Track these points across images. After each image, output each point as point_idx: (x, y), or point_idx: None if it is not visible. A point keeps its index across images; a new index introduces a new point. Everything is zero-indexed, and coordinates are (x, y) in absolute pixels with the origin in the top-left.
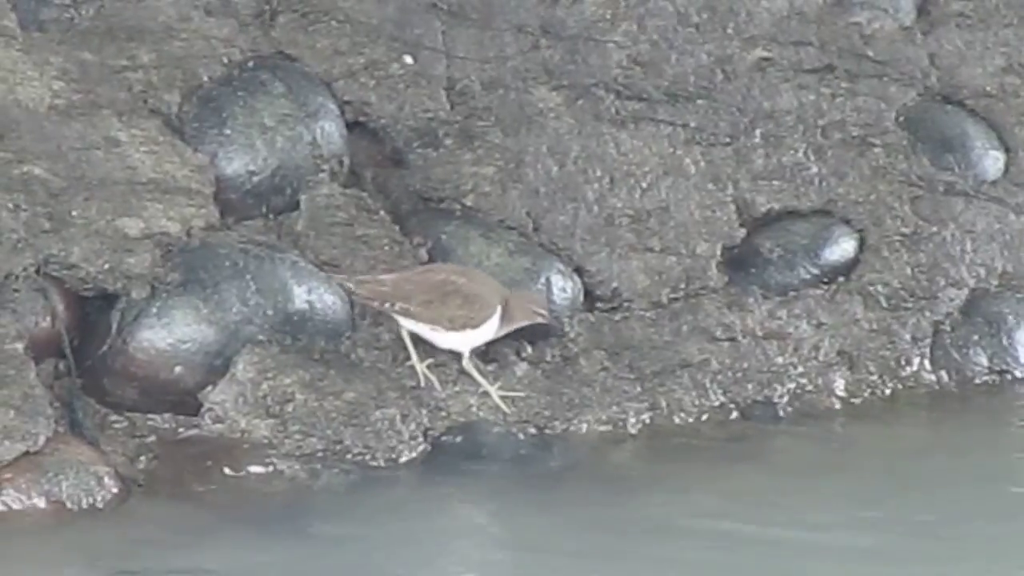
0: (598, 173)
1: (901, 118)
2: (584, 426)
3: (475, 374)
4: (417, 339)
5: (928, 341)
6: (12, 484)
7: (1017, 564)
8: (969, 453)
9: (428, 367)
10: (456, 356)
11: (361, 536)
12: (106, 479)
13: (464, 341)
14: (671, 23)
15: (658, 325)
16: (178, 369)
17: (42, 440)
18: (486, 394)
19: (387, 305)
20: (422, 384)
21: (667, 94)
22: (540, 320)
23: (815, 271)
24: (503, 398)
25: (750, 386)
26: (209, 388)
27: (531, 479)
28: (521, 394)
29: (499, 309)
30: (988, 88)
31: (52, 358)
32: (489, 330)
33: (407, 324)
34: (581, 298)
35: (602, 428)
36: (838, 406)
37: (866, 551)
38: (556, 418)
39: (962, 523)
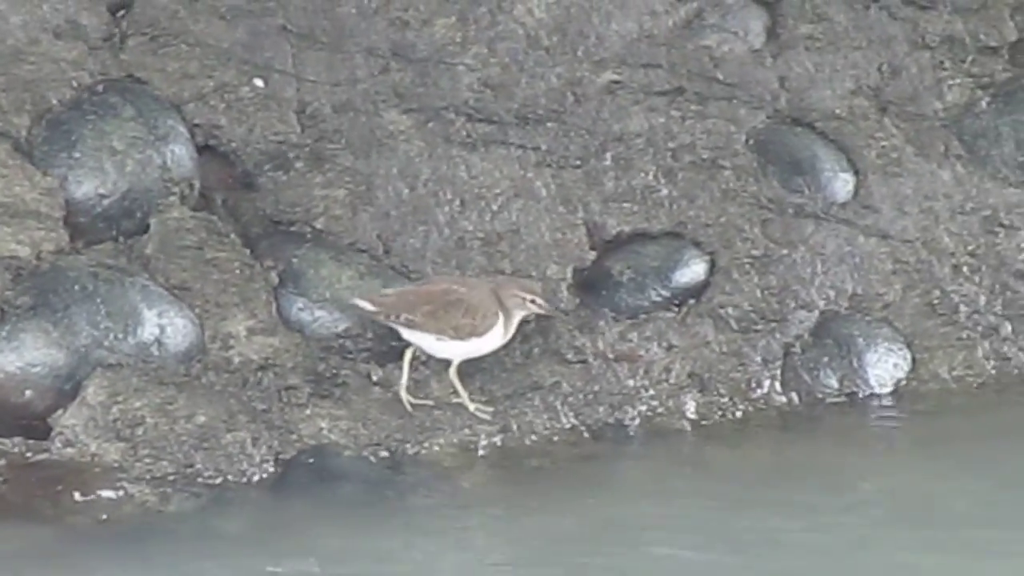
0: (449, 196)
1: (751, 140)
2: (436, 448)
3: (458, 385)
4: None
5: (778, 363)
6: None
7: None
8: (819, 473)
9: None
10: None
11: (212, 559)
12: None
13: (469, 350)
14: (521, 46)
15: (509, 347)
16: (28, 393)
17: None
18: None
19: (392, 317)
20: (410, 411)
21: (517, 117)
22: (539, 311)
23: (666, 293)
24: (478, 408)
25: (601, 408)
26: (59, 412)
27: (382, 500)
28: (490, 410)
29: (501, 318)
30: (837, 111)
31: None
32: (495, 338)
33: (412, 336)
34: None
35: (453, 451)
36: (689, 428)
37: (717, 568)
38: (407, 441)
39: (814, 540)
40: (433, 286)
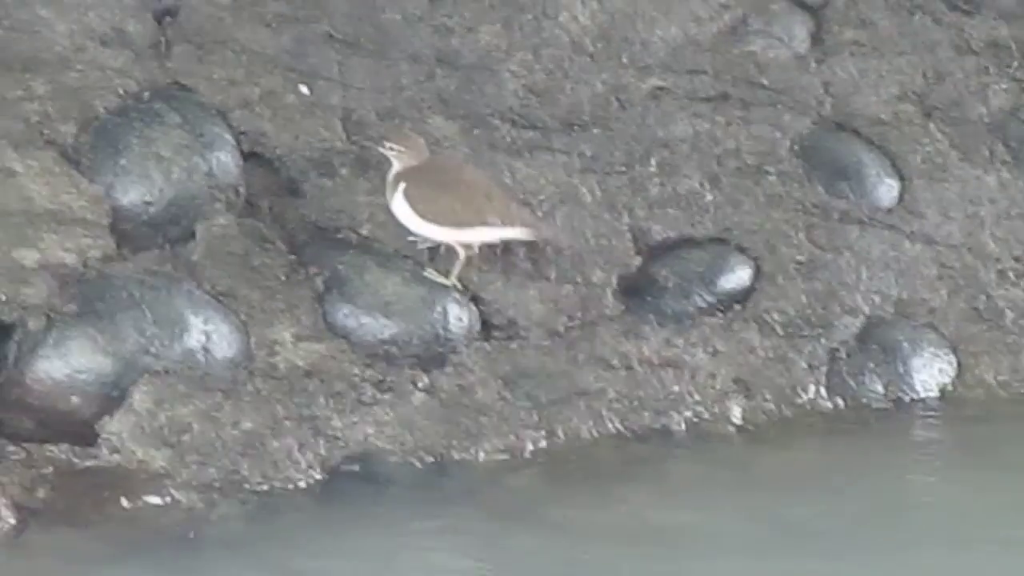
0: None
1: (796, 146)
2: (481, 454)
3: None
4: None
5: (824, 368)
6: None
7: None
8: (865, 479)
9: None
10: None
11: (258, 566)
12: (3, 510)
13: None
14: (566, 52)
15: (554, 354)
16: (75, 400)
17: None
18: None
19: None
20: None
21: (562, 123)
22: None
23: (711, 299)
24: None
25: (646, 414)
26: (106, 418)
27: (429, 506)
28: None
29: None
30: (882, 116)
31: None
32: None
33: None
34: (477, 327)
35: (499, 457)
36: (734, 433)
37: (763, 573)
38: (453, 447)
39: (856, 546)
40: (478, 177)
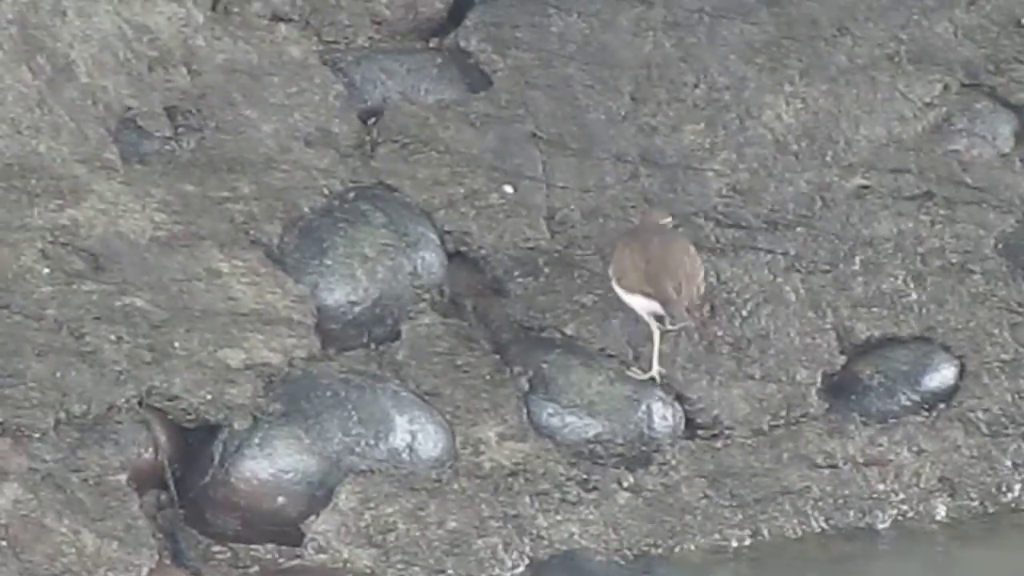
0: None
1: (1000, 245)
2: (686, 553)
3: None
4: None
5: None
6: None
7: None
8: None
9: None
10: (558, 484)
11: None
12: None
13: None
14: (770, 151)
15: (759, 452)
16: (280, 499)
17: (145, 571)
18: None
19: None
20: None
21: (766, 222)
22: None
23: (915, 398)
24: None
25: (851, 512)
26: (311, 518)
27: None
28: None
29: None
30: None
31: (155, 489)
32: None
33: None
34: (682, 426)
35: (704, 555)
36: (939, 532)
37: None
38: (658, 545)
39: None
40: (676, 250)
